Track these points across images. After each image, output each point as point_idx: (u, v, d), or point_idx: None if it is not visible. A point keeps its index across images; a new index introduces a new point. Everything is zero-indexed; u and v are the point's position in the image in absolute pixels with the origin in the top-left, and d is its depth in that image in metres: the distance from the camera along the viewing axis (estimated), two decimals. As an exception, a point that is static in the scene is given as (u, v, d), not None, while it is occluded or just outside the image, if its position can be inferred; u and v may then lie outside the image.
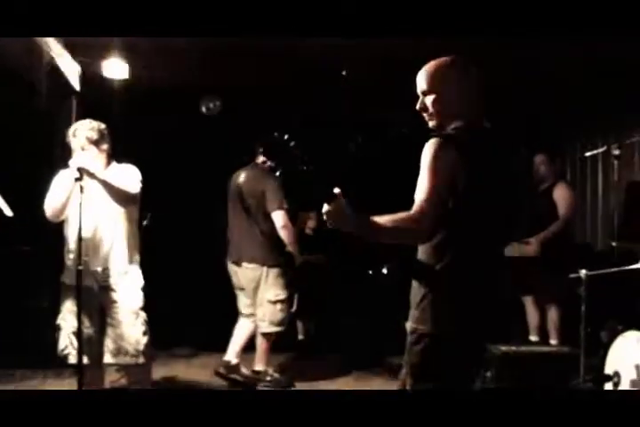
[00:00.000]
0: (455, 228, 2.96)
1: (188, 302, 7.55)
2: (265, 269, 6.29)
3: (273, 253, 6.33)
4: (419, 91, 3.20)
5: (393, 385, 3.57)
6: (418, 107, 3.22)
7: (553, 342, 6.96)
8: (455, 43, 4.72)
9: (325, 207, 2.90)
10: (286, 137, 2.95)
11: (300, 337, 8.12)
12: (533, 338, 7.19)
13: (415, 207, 2.88)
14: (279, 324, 6.34)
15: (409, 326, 3.08)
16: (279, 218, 6.19)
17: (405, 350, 3.11)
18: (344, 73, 6.63)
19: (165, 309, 7.27)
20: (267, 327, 6.32)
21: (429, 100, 3.16)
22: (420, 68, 3.17)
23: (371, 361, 7.24)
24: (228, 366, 6.37)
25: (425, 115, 3.23)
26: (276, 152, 3.02)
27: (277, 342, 6.45)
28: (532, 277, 7.01)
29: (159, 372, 6.61)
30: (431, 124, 3.22)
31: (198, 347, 7.37)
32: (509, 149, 3.23)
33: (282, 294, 6.34)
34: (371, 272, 3.63)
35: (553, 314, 7.00)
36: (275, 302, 6.31)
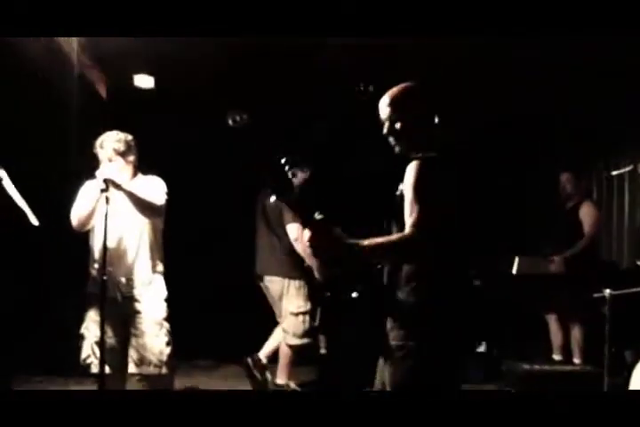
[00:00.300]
0: (440, 247, 2.99)
1: (211, 312, 7.54)
2: (286, 281, 6.34)
3: (293, 265, 6.35)
4: (384, 117, 3.24)
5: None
6: (384, 132, 3.25)
7: (576, 361, 6.91)
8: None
9: (308, 234, 2.94)
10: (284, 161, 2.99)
11: (323, 351, 8.09)
12: (556, 357, 7.15)
13: (411, 229, 2.92)
14: (302, 336, 6.35)
15: (395, 343, 3.09)
16: (292, 231, 6.22)
17: (389, 365, 3.13)
18: (371, 88, 6.63)
19: (188, 319, 7.35)
20: (290, 339, 6.34)
21: (395, 126, 3.20)
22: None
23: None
24: (256, 360, 6.39)
25: (391, 140, 3.26)
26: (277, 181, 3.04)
27: (302, 356, 6.45)
28: (556, 296, 7.00)
29: (181, 382, 6.62)
30: (397, 149, 3.26)
31: (220, 358, 7.36)
32: (476, 169, 3.25)
33: (303, 306, 6.35)
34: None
35: (576, 333, 6.96)
36: (297, 314, 6.33)
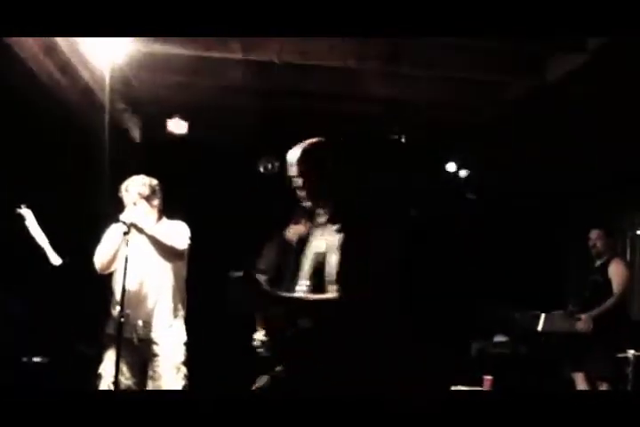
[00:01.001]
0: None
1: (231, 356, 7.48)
2: None
3: None
4: (292, 173, 3.24)
5: None
6: (293, 186, 3.26)
7: (602, 421, 6.77)
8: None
9: (234, 291, 3.02)
10: None
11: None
12: (583, 417, 7.01)
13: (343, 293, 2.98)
14: None
15: None
16: None
17: None
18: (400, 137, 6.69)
19: (208, 363, 7.34)
20: None
21: (303, 181, 3.21)
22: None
23: None
24: None
25: (299, 194, 3.26)
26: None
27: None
28: (584, 354, 6.89)
29: None
30: (304, 204, 3.27)
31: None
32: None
33: None
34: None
35: (603, 392, 6.83)
36: None
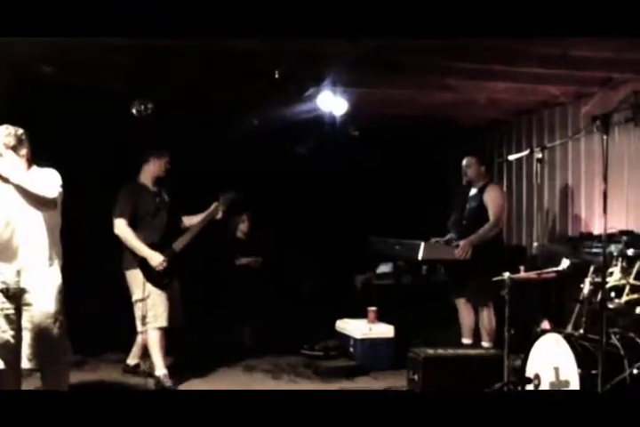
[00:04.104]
0: None
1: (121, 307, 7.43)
2: (126, 272, 6.50)
3: (124, 257, 6.50)
4: None
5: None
6: None
7: (485, 344, 7.00)
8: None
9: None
10: None
11: (233, 341, 8.12)
12: (466, 341, 7.23)
13: None
14: (143, 323, 6.40)
15: None
16: (115, 224, 6.43)
17: None
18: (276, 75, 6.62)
19: (97, 314, 7.27)
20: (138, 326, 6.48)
21: None
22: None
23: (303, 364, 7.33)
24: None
25: None
26: None
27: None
28: (463, 280, 7.07)
29: (88, 376, 6.58)
30: None
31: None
32: None
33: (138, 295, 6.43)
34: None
35: (484, 316, 7.03)
36: (134, 302, 6.45)
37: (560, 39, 5.13)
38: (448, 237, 7.31)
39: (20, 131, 4.87)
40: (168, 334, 6.45)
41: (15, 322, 4.79)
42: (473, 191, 7.26)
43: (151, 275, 6.36)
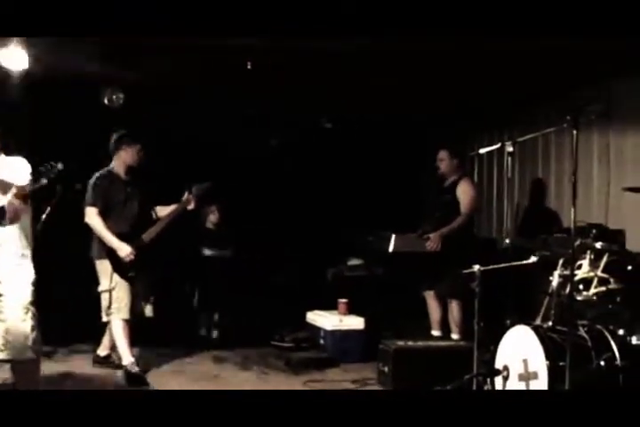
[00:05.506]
0: None
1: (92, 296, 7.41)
2: (95, 261, 6.50)
3: (94, 246, 6.49)
4: None
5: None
6: None
7: (454, 336, 7.04)
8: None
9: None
10: None
11: (203, 333, 8.12)
12: (435, 333, 7.28)
13: None
14: (107, 314, 6.40)
15: None
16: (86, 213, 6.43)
17: None
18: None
19: (67, 304, 7.22)
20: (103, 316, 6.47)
21: None
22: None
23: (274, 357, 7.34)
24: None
25: None
26: None
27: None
28: (433, 273, 7.11)
29: (59, 367, 6.54)
30: None
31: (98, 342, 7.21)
32: None
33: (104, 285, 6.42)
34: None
35: (453, 309, 7.08)
36: (100, 292, 6.43)
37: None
38: (421, 229, 7.34)
39: None
40: (135, 324, 6.45)
41: None
42: (446, 184, 7.30)
43: (119, 266, 6.33)
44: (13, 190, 4.54)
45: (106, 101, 7.19)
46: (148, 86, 7.36)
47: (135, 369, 6.27)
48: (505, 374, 5.09)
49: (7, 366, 5.00)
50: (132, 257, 6.31)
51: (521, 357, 4.93)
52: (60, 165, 4.91)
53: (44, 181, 4.60)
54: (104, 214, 6.40)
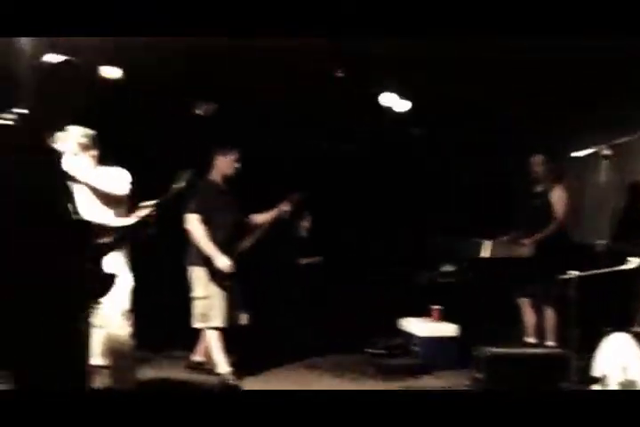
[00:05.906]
0: None
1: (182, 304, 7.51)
2: (190, 268, 6.53)
3: (191, 253, 6.52)
4: None
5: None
6: None
7: (550, 343, 6.94)
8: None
9: None
10: None
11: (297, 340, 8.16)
12: (530, 340, 7.18)
13: None
14: (202, 320, 6.44)
15: None
16: (186, 221, 6.44)
17: None
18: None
19: (162, 311, 7.33)
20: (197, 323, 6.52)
21: None
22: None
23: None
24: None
25: None
26: None
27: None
28: (528, 279, 7.02)
29: (153, 373, 6.65)
30: None
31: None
32: None
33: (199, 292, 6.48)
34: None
35: (549, 316, 6.98)
36: (193, 299, 6.49)
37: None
38: (512, 235, 7.25)
39: (92, 132, 4.98)
40: (230, 332, 6.48)
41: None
42: (538, 189, 7.21)
43: (215, 274, 6.38)
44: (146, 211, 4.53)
45: (201, 113, 7.29)
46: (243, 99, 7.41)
47: (231, 381, 6.31)
48: (603, 382, 5.00)
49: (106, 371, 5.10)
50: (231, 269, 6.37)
51: (621, 365, 4.83)
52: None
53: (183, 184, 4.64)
54: (204, 222, 6.45)
